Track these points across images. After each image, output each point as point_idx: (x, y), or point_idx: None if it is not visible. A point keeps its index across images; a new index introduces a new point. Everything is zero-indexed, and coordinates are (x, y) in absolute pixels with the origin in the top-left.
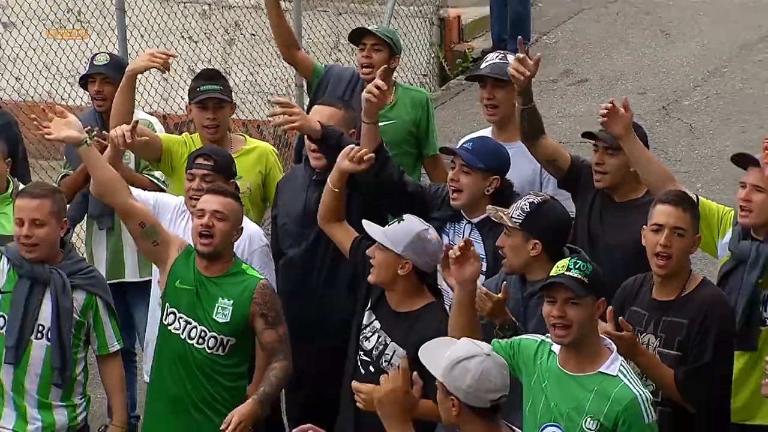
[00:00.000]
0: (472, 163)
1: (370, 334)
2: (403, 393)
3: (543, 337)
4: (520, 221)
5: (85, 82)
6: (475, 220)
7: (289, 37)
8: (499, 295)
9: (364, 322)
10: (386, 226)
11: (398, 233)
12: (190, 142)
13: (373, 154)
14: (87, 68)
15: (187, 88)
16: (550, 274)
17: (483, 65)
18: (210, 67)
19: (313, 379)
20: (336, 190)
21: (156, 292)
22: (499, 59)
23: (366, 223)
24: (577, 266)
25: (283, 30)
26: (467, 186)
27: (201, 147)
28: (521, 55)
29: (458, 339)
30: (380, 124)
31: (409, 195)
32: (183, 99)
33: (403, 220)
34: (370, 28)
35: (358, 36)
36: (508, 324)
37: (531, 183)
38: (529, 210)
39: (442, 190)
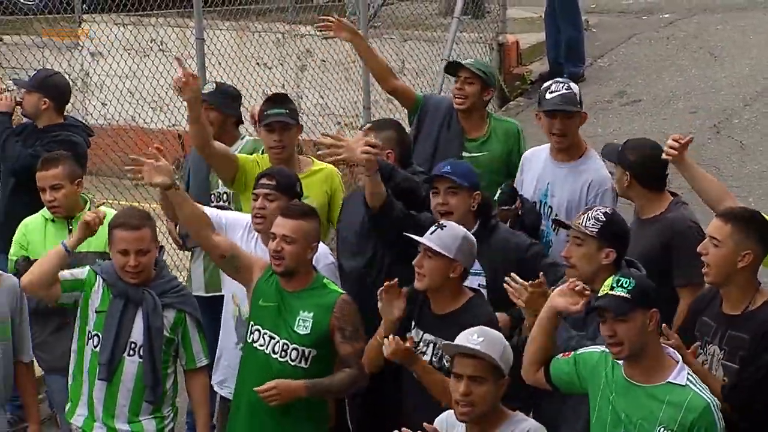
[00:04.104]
0: (460, 183)
1: (424, 347)
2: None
3: (604, 348)
4: (596, 230)
5: None
6: None
7: (382, 69)
8: (535, 283)
9: (415, 340)
10: (428, 234)
11: (447, 239)
12: (261, 162)
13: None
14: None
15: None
16: (599, 292)
17: (549, 96)
18: (283, 91)
19: (367, 389)
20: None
21: (229, 304)
22: (565, 89)
23: (410, 236)
24: (620, 283)
25: (374, 65)
26: (457, 206)
27: (268, 167)
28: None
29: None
30: (474, 155)
31: (416, 225)
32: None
33: (445, 226)
34: (464, 62)
35: (453, 68)
36: None
37: (578, 200)
38: (604, 219)
39: (431, 217)
